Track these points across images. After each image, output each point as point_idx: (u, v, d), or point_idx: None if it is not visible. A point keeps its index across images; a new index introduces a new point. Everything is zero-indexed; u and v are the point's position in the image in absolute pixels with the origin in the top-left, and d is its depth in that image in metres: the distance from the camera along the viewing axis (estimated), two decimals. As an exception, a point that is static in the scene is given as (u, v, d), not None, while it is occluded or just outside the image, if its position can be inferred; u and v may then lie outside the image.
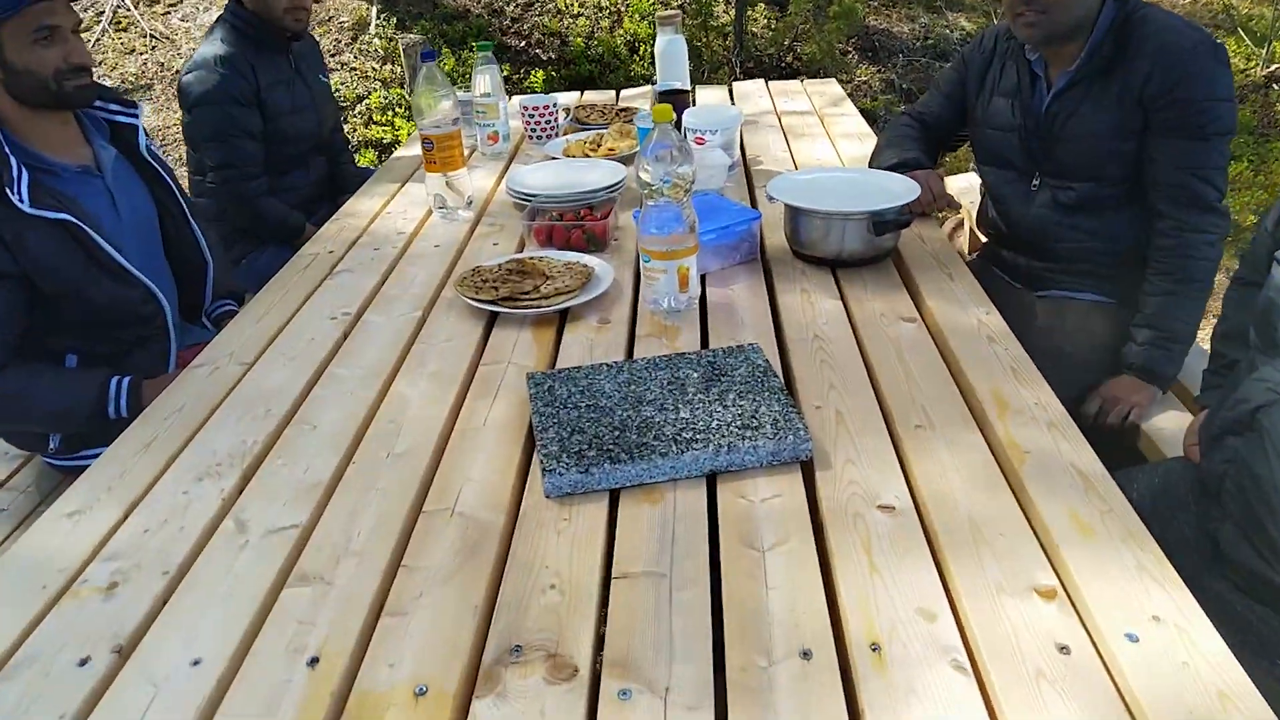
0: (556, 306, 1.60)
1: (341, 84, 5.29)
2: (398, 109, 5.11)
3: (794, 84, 3.14)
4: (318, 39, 5.42)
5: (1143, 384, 1.77)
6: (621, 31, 5.56)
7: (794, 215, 1.74)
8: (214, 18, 2.51)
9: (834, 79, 3.26)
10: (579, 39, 5.51)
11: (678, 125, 2.33)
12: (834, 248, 1.71)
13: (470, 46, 5.45)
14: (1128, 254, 1.86)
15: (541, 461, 1.15)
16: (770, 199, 1.76)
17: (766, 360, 1.35)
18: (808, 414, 1.28)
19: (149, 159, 1.90)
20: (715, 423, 1.20)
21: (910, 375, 1.36)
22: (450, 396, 1.38)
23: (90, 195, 1.77)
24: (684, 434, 1.18)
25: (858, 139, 2.46)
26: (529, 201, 2.04)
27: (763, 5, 5.68)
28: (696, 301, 1.59)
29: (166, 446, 1.31)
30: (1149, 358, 1.77)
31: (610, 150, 2.37)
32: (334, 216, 2.20)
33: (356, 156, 4.86)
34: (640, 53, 5.42)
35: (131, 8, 5.75)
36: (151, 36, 5.57)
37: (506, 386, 1.39)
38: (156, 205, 1.93)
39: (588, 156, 2.37)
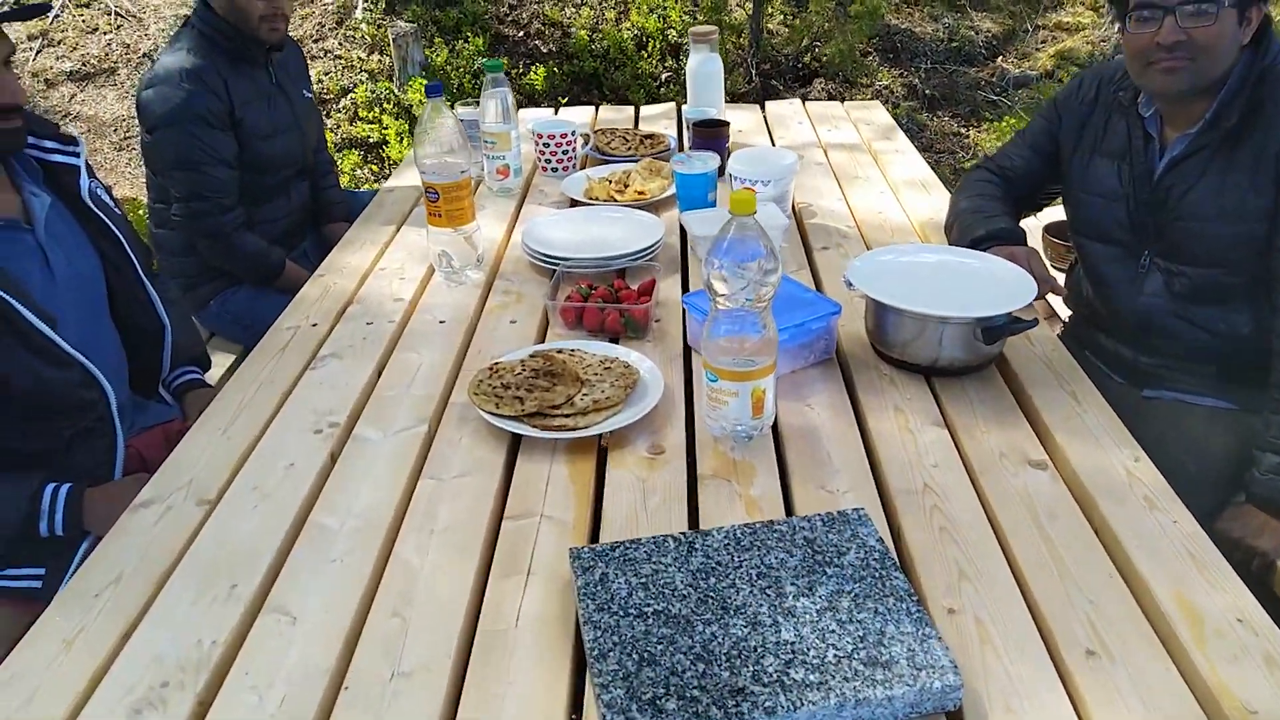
0: (597, 429, 1.29)
1: (325, 74, 4.91)
2: (386, 104, 4.73)
3: (835, 106, 2.82)
4: (300, 40, 5.04)
5: (1270, 519, 1.49)
6: (629, 24, 5.20)
7: (881, 311, 1.43)
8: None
9: (878, 104, 2.94)
10: (583, 31, 5.15)
11: (721, 169, 2.02)
12: (929, 354, 1.40)
13: (464, 36, 5.08)
14: (1258, 353, 1.56)
15: (603, 717, 0.85)
16: (849, 285, 1.46)
17: (880, 540, 1.05)
18: (938, 619, 0.98)
19: (92, 206, 1.57)
20: (831, 653, 0.90)
21: (1059, 558, 1.06)
22: (469, 573, 1.07)
23: (15, 255, 1.44)
24: (793, 670, 0.88)
25: (921, 187, 2.15)
26: (551, 264, 1.73)
27: (780, 1, 5.34)
28: (770, 424, 1.29)
29: (95, 646, 0.99)
30: (1275, 488, 1.48)
31: (639, 194, 2.06)
32: (318, 270, 1.87)
33: (340, 158, 4.48)
34: (649, 49, 5.07)
35: (97, -19, 5.33)
36: (116, 14, 5.15)
37: (541, 559, 1.08)
38: (102, 260, 1.60)
39: (613, 200, 2.06)
